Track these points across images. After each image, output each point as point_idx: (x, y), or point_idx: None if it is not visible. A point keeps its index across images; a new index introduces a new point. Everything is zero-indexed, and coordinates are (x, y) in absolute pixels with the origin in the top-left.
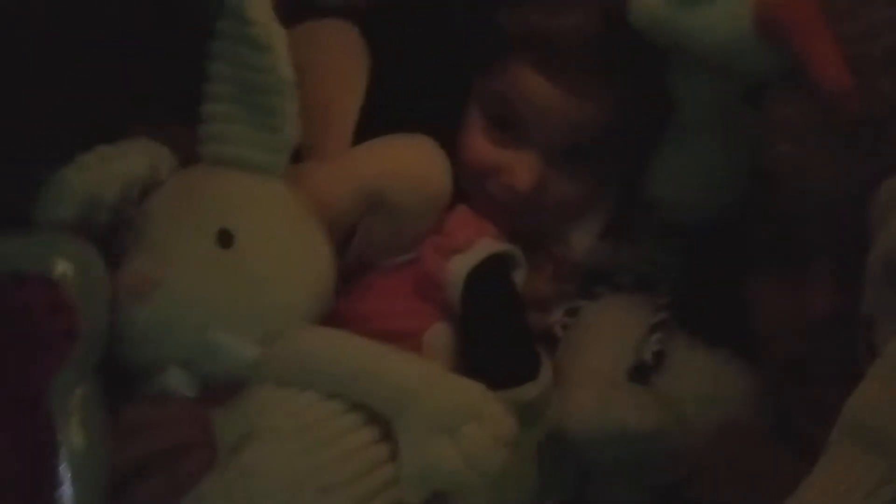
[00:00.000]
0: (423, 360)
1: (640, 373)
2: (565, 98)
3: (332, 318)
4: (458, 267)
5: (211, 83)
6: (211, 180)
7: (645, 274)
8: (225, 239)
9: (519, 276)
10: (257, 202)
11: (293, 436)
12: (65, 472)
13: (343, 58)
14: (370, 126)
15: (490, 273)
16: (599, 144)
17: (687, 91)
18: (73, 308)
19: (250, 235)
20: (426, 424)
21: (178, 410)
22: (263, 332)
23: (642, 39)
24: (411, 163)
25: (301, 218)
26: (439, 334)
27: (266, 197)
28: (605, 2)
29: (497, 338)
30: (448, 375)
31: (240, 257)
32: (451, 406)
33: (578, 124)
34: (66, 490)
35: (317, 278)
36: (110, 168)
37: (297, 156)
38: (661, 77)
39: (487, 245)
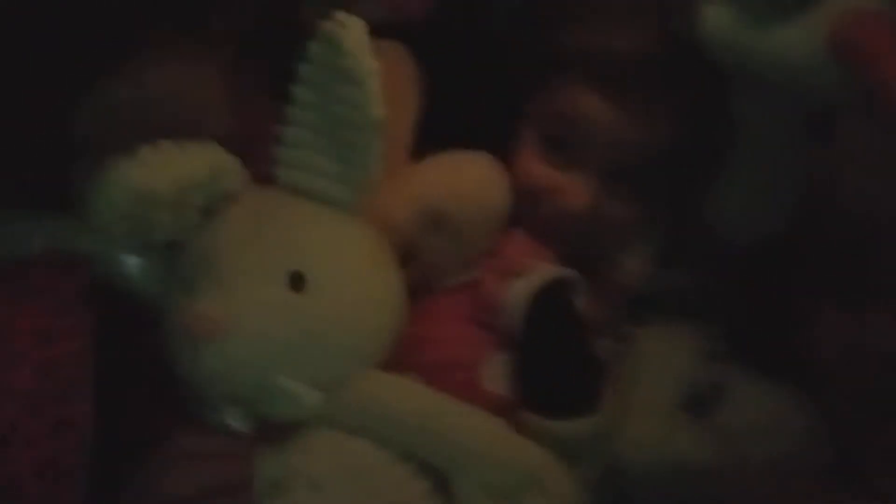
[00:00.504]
0: (487, 417)
1: (698, 405)
2: (622, 118)
3: None
4: (519, 291)
5: (294, 107)
6: (284, 214)
7: (696, 300)
8: (297, 282)
9: (580, 301)
10: (333, 243)
11: (337, 484)
12: None
13: (396, 78)
14: (424, 146)
15: (553, 298)
16: (654, 166)
17: (750, 113)
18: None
19: (323, 279)
20: (487, 489)
21: (228, 446)
22: (329, 379)
23: (702, 60)
24: (473, 180)
25: (376, 259)
26: (496, 365)
27: (342, 237)
28: (665, 21)
29: (560, 367)
30: (512, 437)
31: (312, 302)
32: (513, 472)
33: (634, 145)
34: None
35: (388, 322)
36: (168, 164)
37: None
38: (719, 98)
39: (548, 269)
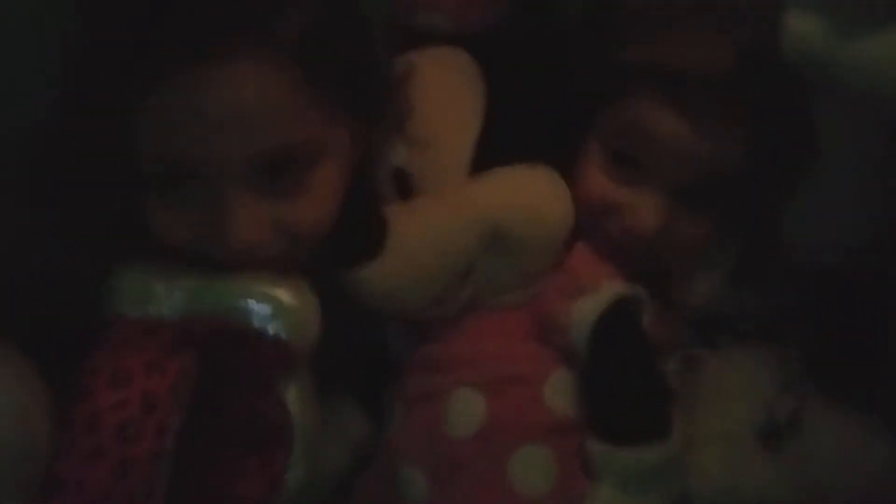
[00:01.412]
0: None
1: (774, 436)
2: (695, 135)
3: (446, 360)
4: (585, 310)
5: None
6: None
7: (772, 323)
8: None
9: (646, 321)
10: None
11: None
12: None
13: (458, 87)
14: (486, 158)
15: (620, 318)
16: (727, 184)
17: (833, 126)
18: (292, 354)
19: None
20: None
21: None
22: None
23: (780, 75)
24: (533, 196)
25: None
26: (561, 383)
27: None
28: (742, 36)
29: (628, 390)
30: None
31: None
32: None
33: (708, 163)
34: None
35: None
36: None
37: (409, 190)
38: (803, 114)
39: (614, 287)
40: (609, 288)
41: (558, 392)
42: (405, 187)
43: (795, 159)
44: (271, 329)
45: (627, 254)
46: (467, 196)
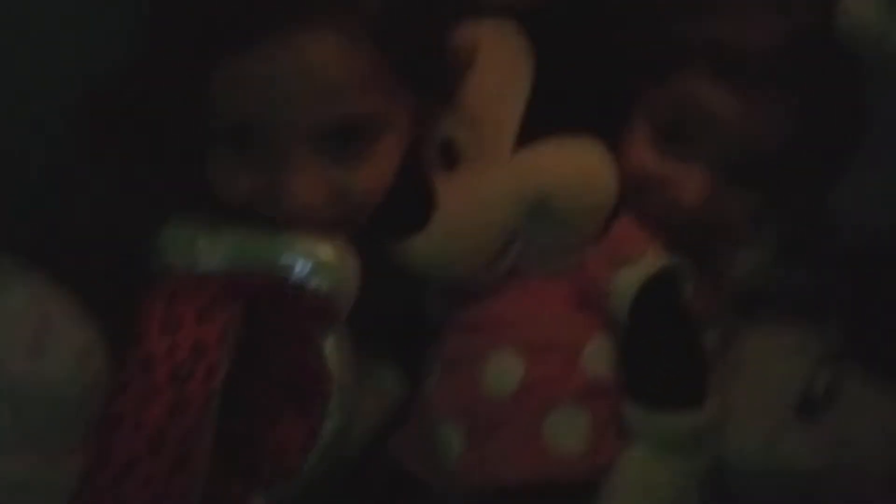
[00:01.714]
0: None
1: (810, 408)
2: (745, 112)
3: (486, 322)
4: (627, 279)
5: None
6: None
7: (813, 298)
8: None
9: (688, 292)
10: None
11: None
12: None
13: (506, 59)
14: (532, 130)
15: (662, 288)
16: (774, 161)
17: (885, 105)
18: (332, 309)
19: None
20: None
21: None
22: None
23: (832, 53)
24: (578, 167)
25: None
26: (600, 349)
27: None
28: (797, 15)
29: (666, 357)
30: None
31: None
32: None
33: (757, 140)
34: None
35: None
36: None
37: (458, 160)
38: (852, 93)
39: (657, 257)
40: (652, 258)
41: (596, 357)
42: (451, 157)
43: (843, 138)
44: (311, 284)
45: (672, 227)
46: (513, 166)
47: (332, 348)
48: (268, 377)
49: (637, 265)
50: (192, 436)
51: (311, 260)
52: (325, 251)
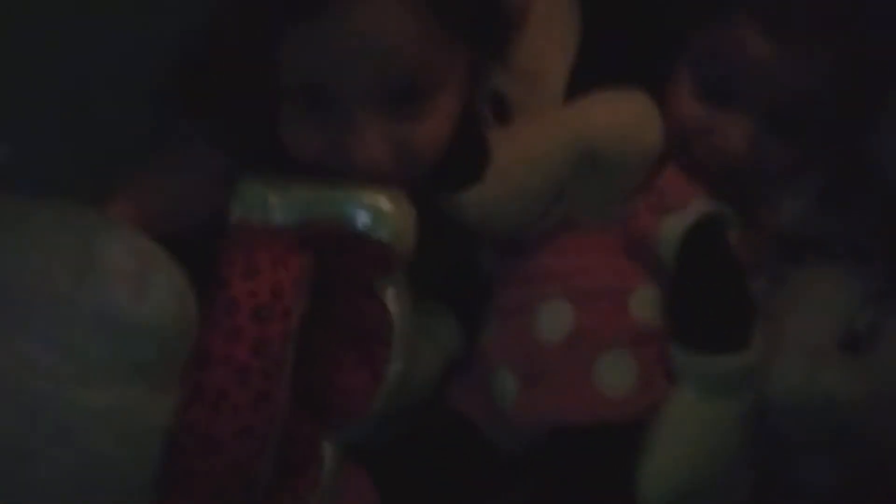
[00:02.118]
0: None
1: (852, 344)
2: (789, 61)
3: (537, 273)
4: (673, 226)
5: None
6: None
7: (860, 245)
8: None
9: (732, 238)
10: None
11: None
12: (394, 348)
13: (554, 15)
14: (580, 83)
15: (707, 234)
16: (816, 108)
17: None
18: (393, 257)
19: None
20: None
21: None
22: None
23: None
24: (624, 116)
25: None
26: (647, 295)
27: None
28: None
29: (713, 301)
30: None
31: None
32: None
33: (797, 88)
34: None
35: None
36: None
37: (509, 115)
38: (885, 37)
39: (702, 204)
40: (696, 205)
41: (643, 304)
42: (504, 112)
43: (881, 82)
44: (374, 234)
45: (717, 175)
46: (562, 119)
47: (392, 297)
48: (333, 325)
49: (682, 213)
50: (274, 371)
51: (373, 211)
52: (386, 203)
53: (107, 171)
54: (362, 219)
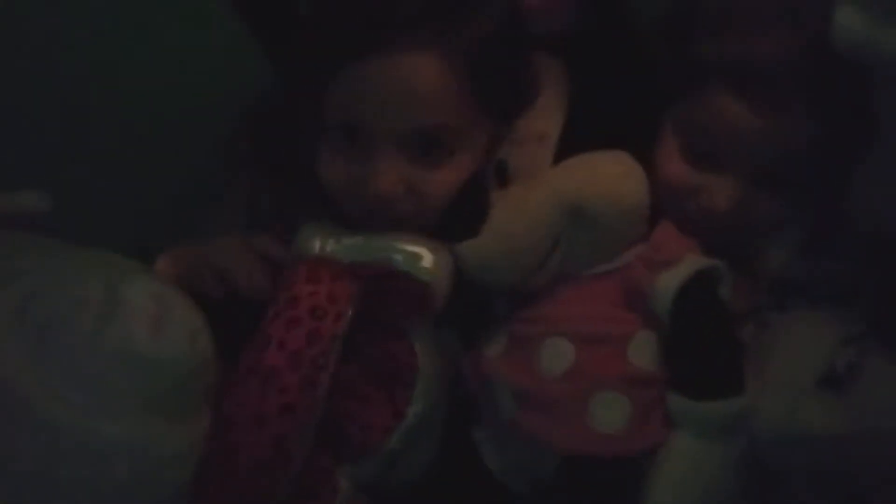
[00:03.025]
0: None
1: (832, 383)
2: (765, 125)
3: (543, 317)
4: (667, 281)
5: None
6: None
7: (843, 289)
8: None
9: (725, 291)
10: None
11: None
12: (417, 390)
13: (548, 89)
14: (570, 147)
15: (699, 289)
16: (798, 166)
17: (887, 109)
18: (431, 298)
19: None
20: None
21: None
22: None
23: (843, 61)
24: (607, 176)
25: None
26: (645, 342)
27: None
28: (803, 26)
29: (707, 352)
30: None
31: None
32: None
33: (778, 150)
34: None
35: None
36: None
37: (507, 178)
38: (862, 96)
39: (695, 260)
40: (689, 261)
41: (640, 350)
42: (504, 176)
43: (857, 138)
44: (415, 274)
45: (707, 231)
46: (549, 180)
47: (420, 342)
48: (363, 362)
49: (676, 269)
50: (322, 362)
51: (416, 255)
52: (426, 250)
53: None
54: (407, 261)
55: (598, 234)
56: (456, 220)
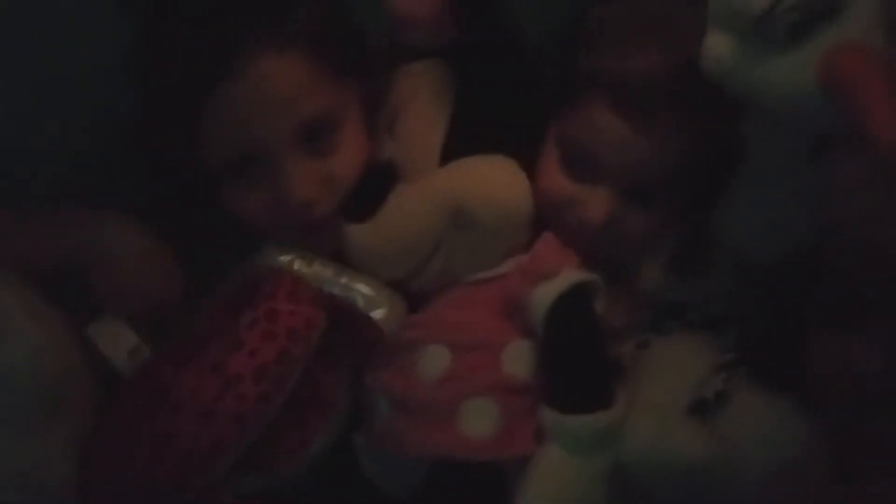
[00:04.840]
0: None
1: (701, 410)
2: (636, 137)
3: (422, 322)
4: (544, 293)
5: None
6: None
7: (716, 312)
8: None
9: (600, 306)
10: None
11: None
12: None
13: (431, 93)
14: (451, 152)
15: (574, 302)
16: (672, 180)
17: (756, 137)
18: (378, 341)
19: None
20: None
21: None
22: None
23: (711, 88)
24: (489, 180)
25: None
26: (518, 351)
27: None
28: (678, 46)
29: (577, 366)
30: None
31: None
32: None
33: (649, 163)
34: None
35: None
36: None
37: (397, 179)
38: (733, 118)
39: (572, 274)
40: (567, 274)
41: (514, 359)
42: (394, 175)
43: (726, 161)
44: (376, 321)
45: (584, 244)
46: (433, 180)
47: (346, 381)
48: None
49: (553, 281)
50: (282, 382)
51: (374, 303)
52: (383, 291)
53: None
54: (368, 305)
55: (479, 239)
56: (355, 198)
